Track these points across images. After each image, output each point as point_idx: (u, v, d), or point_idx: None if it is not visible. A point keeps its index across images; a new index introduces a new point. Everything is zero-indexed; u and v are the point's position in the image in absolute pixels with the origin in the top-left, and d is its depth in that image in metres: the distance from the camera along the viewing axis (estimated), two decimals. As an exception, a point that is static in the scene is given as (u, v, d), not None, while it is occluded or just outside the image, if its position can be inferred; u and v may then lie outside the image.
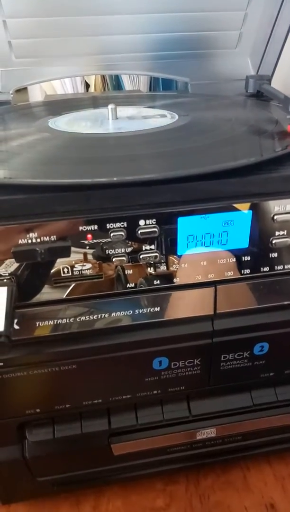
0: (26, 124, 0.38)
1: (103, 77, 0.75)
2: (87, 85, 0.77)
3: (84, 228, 0.24)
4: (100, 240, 0.25)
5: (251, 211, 0.26)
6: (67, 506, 0.36)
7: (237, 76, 0.49)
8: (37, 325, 0.26)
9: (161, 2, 0.44)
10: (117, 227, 0.24)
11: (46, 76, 0.50)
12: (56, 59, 0.49)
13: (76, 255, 0.25)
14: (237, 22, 0.47)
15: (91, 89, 0.77)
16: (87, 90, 0.77)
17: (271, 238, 0.26)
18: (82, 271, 0.25)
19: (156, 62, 0.51)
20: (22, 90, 0.52)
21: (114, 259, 0.25)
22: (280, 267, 0.27)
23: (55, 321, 0.26)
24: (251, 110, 0.42)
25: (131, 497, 0.36)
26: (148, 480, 0.37)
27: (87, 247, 0.25)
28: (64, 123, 0.37)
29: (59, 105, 0.49)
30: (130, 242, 0.25)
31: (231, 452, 0.37)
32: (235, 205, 0.25)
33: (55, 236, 0.24)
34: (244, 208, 0.25)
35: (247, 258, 0.27)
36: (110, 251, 0.25)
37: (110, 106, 0.37)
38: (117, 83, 0.75)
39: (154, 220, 0.25)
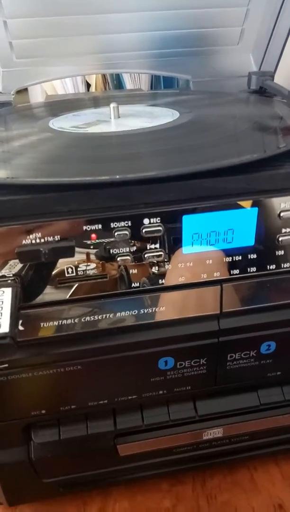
0: (28, 124, 0.38)
1: (104, 76, 0.75)
2: (88, 85, 0.77)
3: (88, 227, 0.24)
4: (104, 239, 0.24)
5: (256, 208, 0.25)
6: (74, 507, 0.36)
7: (239, 72, 0.49)
8: (41, 325, 0.26)
9: (162, -1, 0.44)
10: (121, 226, 0.24)
11: (47, 76, 0.50)
12: (57, 59, 0.48)
13: (80, 255, 0.25)
14: (239, 18, 0.47)
15: (92, 88, 0.77)
16: (88, 90, 0.77)
17: (277, 236, 0.26)
18: (86, 271, 0.25)
19: (157, 60, 0.50)
20: (22, 91, 0.52)
21: (118, 259, 0.25)
22: (287, 264, 0.27)
23: (60, 321, 0.26)
24: (254, 106, 0.41)
25: (138, 498, 0.36)
26: (154, 481, 0.37)
27: (91, 247, 0.24)
28: (66, 123, 0.37)
29: (61, 106, 0.48)
30: (134, 241, 0.25)
31: (238, 452, 0.36)
32: (241, 203, 0.25)
33: (59, 236, 0.24)
34: (249, 205, 0.25)
35: (253, 256, 0.26)
36: (115, 251, 0.25)
37: (112, 105, 0.37)
38: (118, 82, 0.75)
39: (159, 218, 0.24)
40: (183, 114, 0.36)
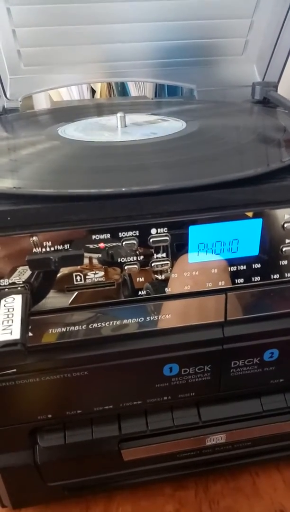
0: (35, 132, 0.38)
1: (109, 83, 0.76)
2: (93, 91, 0.78)
3: (97, 237, 0.25)
4: (112, 248, 0.25)
5: (261, 219, 0.26)
6: (77, 511, 0.36)
7: (243, 82, 0.50)
8: (49, 332, 0.27)
9: (167, 10, 0.45)
10: (129, 236, 0.25)
11: (54, 83, 0.51)
12: (64, 67, 0.49)
13: (88, 263, 0.25)
14: (243, 29, 0.48)
15: (97, 95, 0.78)
16: (93, 96, 0.78)
17: (281, 246, 0.27)
18: (94, 279, 0.26)
19: (162, 69, 0.51)
20: (27, 97, 0.52)
21: (126, 267, 0.25)
22: (290, 274, 0.28)
23: (67, 328, 0.27)
24: (258, 117, 0.42)
25: (141, 503, 0.37)
26: (158, 486, 0.37)
27: (100, 255, 0.25)
28: (74, 131, 0.37)
29: (68, 113, 0.49)
30: (141, 251, 0.25)
31: (241, 458, 0.37)
32: (245, 213, 0.26)
33: (68, 245, 0.24)
34: (254, 216, 0.26)
35: (257, 265, 0.27)
36: (122, 259, 0.25)
37: (119, 114, 0.37)
38: (122, 89, 0.76)
39: (166, 228, 0.25)
40: (189, 124, 0.37)
